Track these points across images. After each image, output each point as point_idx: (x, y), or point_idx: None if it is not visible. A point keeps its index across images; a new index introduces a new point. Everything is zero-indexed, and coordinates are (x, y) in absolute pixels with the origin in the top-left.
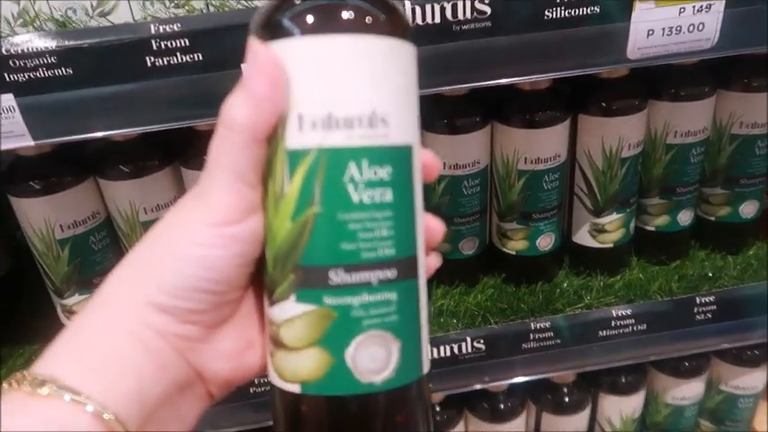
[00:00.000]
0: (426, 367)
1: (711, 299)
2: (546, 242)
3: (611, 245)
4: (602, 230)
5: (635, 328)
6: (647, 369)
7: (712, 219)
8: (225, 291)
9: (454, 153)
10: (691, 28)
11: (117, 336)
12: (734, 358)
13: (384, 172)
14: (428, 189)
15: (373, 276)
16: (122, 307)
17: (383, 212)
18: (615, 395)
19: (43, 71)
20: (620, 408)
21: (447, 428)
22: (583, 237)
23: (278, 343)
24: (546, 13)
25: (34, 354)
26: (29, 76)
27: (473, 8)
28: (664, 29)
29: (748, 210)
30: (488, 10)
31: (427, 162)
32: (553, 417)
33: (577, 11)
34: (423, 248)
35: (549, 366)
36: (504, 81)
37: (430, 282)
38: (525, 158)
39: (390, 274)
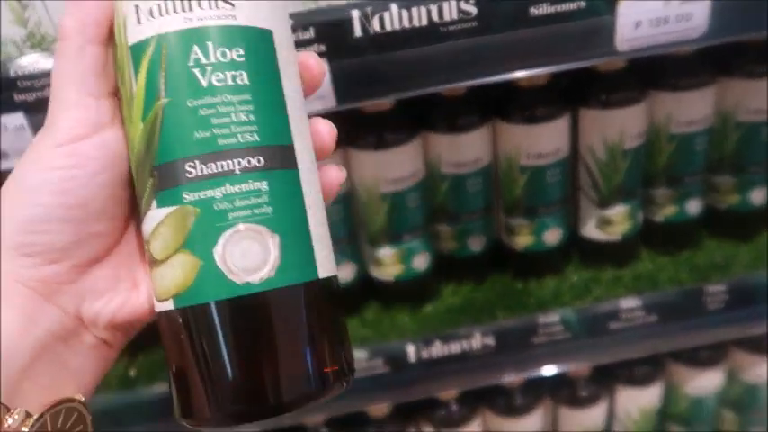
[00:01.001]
0: (325, 271)
1: (723, 288)
2: (553, 236)
3: (620, 237)
4: (610, 222)
5: (646, 320)
6: (664, 360)
7: (722, 207)
8: (86, 218)
9: (455, 152)
10: (678, 18)
11: None
12: (753, 347)
13: (234, 54)
14: (431, 187)
15: (235, 164)
16: None
17: (239, 96)
18: (632, 387)
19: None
20: (638, 400)
21: (463, 425)
22: (590, 230)
23: (150, 260)
24: (531, 10)
25: None
26: (37, 96)
27: (459, 9)
28: (651, 20)
29: (757, 197)
30: (474, 10)
31: (307, 61)
32: (570, 411)
33: (563, 6)
34: (306, 142)
35: (561, 360)
36: (493, 79)
37: (438, 279)
38: (526, 154)
39: (256, 161)
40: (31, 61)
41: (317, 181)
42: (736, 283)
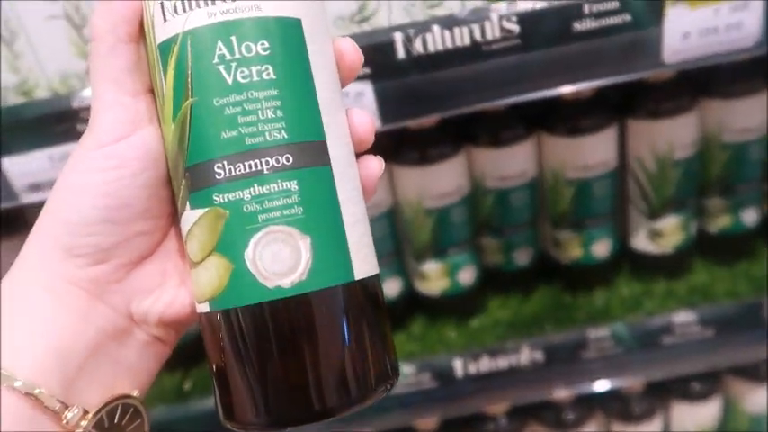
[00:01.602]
0: (362, 272)
1: None
2: (602, 249)
3: (672, 249)
4: (661, 234)
5: (702, 334)
6: (722, 375)
7: None
8: (130, 219)
9: (499, 166)
10: (728, 28)
11: (32, 295)
12: None
13: (260, 47)
14: (476, 201)
15: (263, 164)
16: (35, 261)
17: (266, 92)
18: (688, 403)
19: None
20: (695, 416)
21: None
22: (641, 242)
23: (188, 261)
24: (575, 25)
25: None
26: None
27: (501, 27)
28: (700, 30)
29: None
30: (517, 28)
31: (342, 47)
32: (623, 426)
33: (607, 20)
34: (341, 136)
35: (612, 375)
36: (537, 95)
37: (484, 293)
38: (573, 166)
39: (284, 160)
40: None
41: (355, 176)
42: None
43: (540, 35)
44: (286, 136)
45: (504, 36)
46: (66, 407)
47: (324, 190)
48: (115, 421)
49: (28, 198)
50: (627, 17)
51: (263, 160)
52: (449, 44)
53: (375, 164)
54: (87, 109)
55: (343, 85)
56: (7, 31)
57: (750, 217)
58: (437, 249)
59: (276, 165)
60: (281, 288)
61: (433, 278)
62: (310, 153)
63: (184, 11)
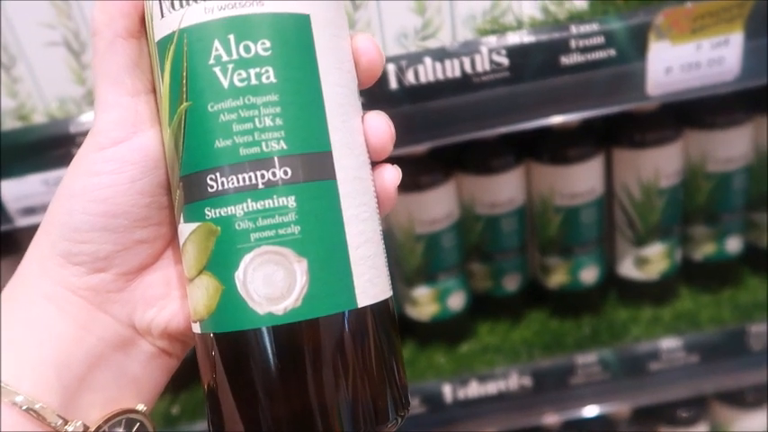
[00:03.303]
0: (368, 298)
1: (766, 327)
2: (589, 275)
3: (657, 276)
4: (647, 261)
5: (687, 360)
6: (708, 401)
7: (764, 245)
8: (128, 226)
9: (490, 193)
10: (710, 62)
11: (32, 302)
12: None
13: (260, 47)
14: (466, 228)
15: (257, 177)
16: (35, 268)
17: (264, 97)
18: (675, 429)
19: None
20: None
21: None
22: (627, 269)
23: (184, 276)
24: (562, 59)
25: None
26: None
27: (491, 60)
28: (682, 65)
29: None
30: (506, 61)
31: (360, 46)
32: None
33: (593, 55)
34: (352, 146)
35: (600, 401)
36: (526, 126)
37: (473, 318)
38: (560, 194)
39: (282, 174)
40: (90, 119)
41: (366, 189)
42: None
43: (528, 68)
44: (285, 147)
45: (493, 68)
46: (66, 422)
47: (326, 207)
48: None
49: (22, 221)
50: (612, 52)
51: (259, 173)
52: (440, 75)
53: (391, 173)
54: (84, 134)
55: (362, 87)
56: (6, 56)
57: (734, 245)
58: (427, 274)
59: (272, 178)
60: (273, 315)
61: (423, 303)
62: (312, 166)
63: (181, 6)
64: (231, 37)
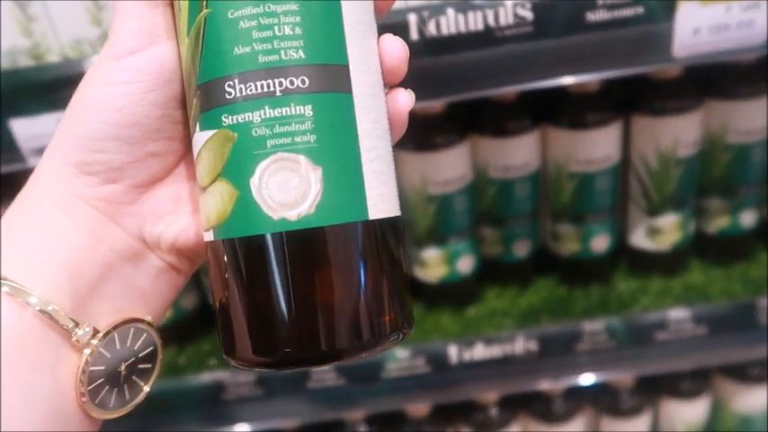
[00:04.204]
0: (378, 212)
1: None
2: (600, 244)
3: (669, 247)
4: (659, 232)
5: (695, 332)
6: (712, 374)
7: None
8: (141, 137)
9: (504, 156)
10: (739, 25)
11: (44, 210)
12: None
13: None
14: (479, 191)
15: (275, 84)
16: (48, 177)
17: (284, 5)
18: (677, 400)
19: None
20: (683, 414)
21: (502, 429)
22: (639, 239)
23: (197, 186)
24: (588, 15)
25: None
26: None
27: (515, 14)
28: (711, 27)
29: None
30: (530, 15)
31: None
32: (612, 420)
33: (620, 12)
34: (368, 63)
35: (605, 369)
36: (547, 83)
37: (482, 283)
38: (576, 160)
39: (299, 82)
40: None
41: (380, 108)
42: None
43: (552, 23)
44: (303, 56)
45: (517, 23)
46: (77, 325)
47: (341, 118)
48: (127, 344)
49: (35, 161)
50: (639, 10)
51: (277, 81)
52: (462, 28)
53: (405, 97)
54: None
55: (378, 14)
56: None
57: (749, 219)
58: (438, 236)
59: (290, 86)
60: (287, 220)
61: (432, 265)
62: (329, 77)
63: None
64: None
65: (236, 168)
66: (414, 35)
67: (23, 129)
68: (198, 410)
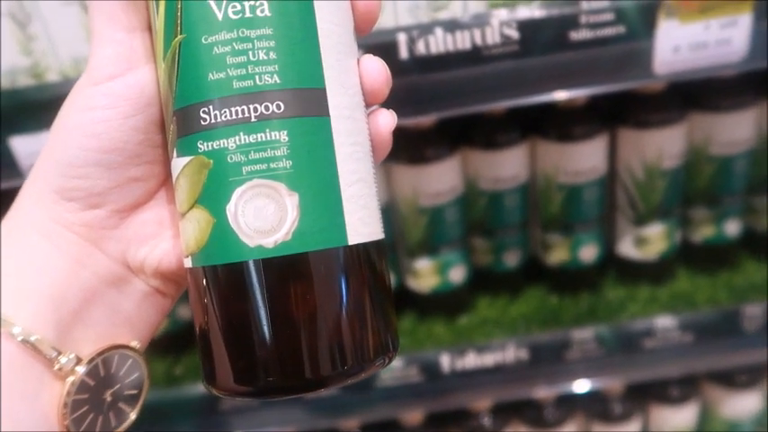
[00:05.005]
0: (359, 236)
1: (761, 309)
2: (589, 254)
3: (656, 256)
4: (646, 241)
5: (681, 339)
6: (700, 380)
7: (761, 229)
8: (122, 162)
9: (494, 168)
10: (718, 43)
11: (26, 238)
12: None
13: None
14: (470, 202)
15: (250, 110)
16: (30, 203)
17: (258, 30)
18: (666, 406)
19: None
20: (672, 420)
21: None
22: (627, 248)
23: (176, 212)
24: (571, 34)
25: None
26: None
27: (501, 33)
28: (690, 44)
29: None
30: (516, 34)
31: None
32: (603, 427)
33: (602, 31)
34: (346, 85)
35: (594, 376)
36: (533, 100)
37: (473, 292)
38: (564, 172)
39: (275, 107)
40: None
41: (361, 130)
42: None
43: (537, 42)
44: (278, 81)
45: (503, 42)
46: (60, 353)
47: (318, 143)
48: (112, 371)
49: None
50: (621, 29)
51: (252, 106)
52: (450, 47)
53: (386, 118)
54: None
55: (360, 33)
56: (22, 14)
57: (733, 228)
58: (429, 247)
59: (265, 112)
60: (263, 248)
61: (425, 275)
62: (305, 101)
63: None
64: None
65: (213, 195)
66: (403, 54)
67: (23, 146)
68: (194, 420)
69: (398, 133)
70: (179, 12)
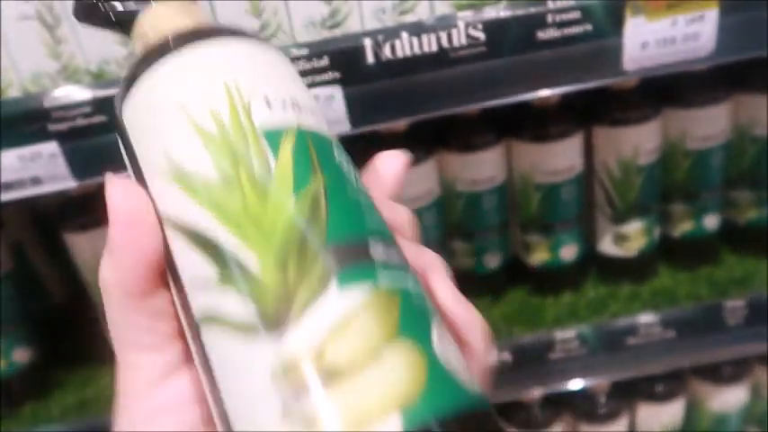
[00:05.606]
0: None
1: (742, 303)
2: (569, 253)
3: (636, 253)
4: (626, 238)
5: (664, 335)
6: (686, 376)
7: (741, 222)
8: None
9: (471, 170)
10: (685, 38)
11: None
12: None
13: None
14: (447, 205)
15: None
16: None
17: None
18: (653, 403)
19: (81, 119)
20: (660, 416)
21: None
22: (607, 246)
23: (323, 379)
24: (538, 34)
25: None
26: (69, 125)
27: (467, 35)
28: (658, 40)
29: None
30: (482, 36)
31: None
32: (591, 426)
33: (569, 30)
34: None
35: (578, 376)
36: (503, 101)
37: None
38: (541, 171)
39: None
40: (64, 93)
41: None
42: (756, 298)
43: (504, 43)
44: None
45: (470, 43)
46: None
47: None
48: None
49: None
50: (588, 27)
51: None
52: (417, 50)
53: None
54: (58, 108)
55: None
56: None
57: (712, 222)
58: None
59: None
60: (470, 392)
61: None
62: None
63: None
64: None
65: (415, 330)
66: (370, 59)
67: None
68: None
69: (372, 138)
70: (314, 157)
